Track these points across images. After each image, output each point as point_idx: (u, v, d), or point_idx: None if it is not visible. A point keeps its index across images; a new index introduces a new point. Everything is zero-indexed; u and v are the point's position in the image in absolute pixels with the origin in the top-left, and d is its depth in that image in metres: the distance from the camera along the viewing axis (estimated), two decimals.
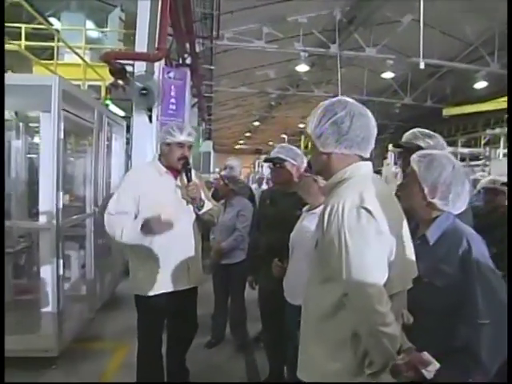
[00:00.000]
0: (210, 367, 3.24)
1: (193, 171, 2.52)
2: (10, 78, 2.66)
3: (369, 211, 1.20)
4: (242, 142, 32.12)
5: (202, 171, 12.63)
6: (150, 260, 2.44)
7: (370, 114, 1.38)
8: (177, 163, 2.47)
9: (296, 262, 2.02)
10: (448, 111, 14.24)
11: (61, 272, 3.06)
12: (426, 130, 2.11)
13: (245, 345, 3.43)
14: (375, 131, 1.38)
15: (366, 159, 1.39)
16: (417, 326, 1.34)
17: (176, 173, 2.52)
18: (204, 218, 2.59)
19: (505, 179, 3.41)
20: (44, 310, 3.01)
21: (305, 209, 2.13)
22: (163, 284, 2.44)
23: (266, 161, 2.83)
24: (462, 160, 13.50)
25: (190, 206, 2.50)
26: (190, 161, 2.51)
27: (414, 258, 1.35)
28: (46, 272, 2.96)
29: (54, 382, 2.96)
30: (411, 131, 2.13)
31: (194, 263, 2.56)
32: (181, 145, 2.46)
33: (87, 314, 3.82)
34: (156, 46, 4.84)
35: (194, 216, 2.55)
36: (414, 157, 1.56)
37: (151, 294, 2.44)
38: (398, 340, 1.18)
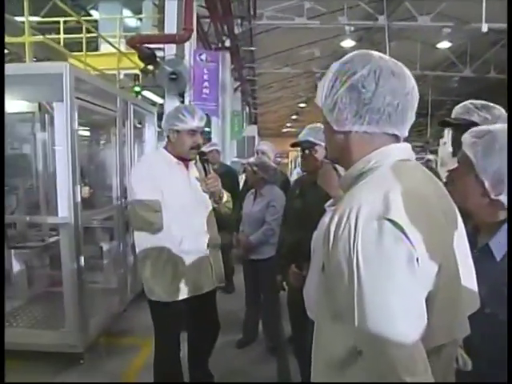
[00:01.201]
0: (237, 370, 3.01)
1: None
2: (20, 68, 2.53)
3: (397, 225, 0.75)
4: (288, 124, 31.53)
5: (246, 156, 12.46)
6: (169, 264, 2.17)
7: (406, 71, 0.91)
8: (188, 152, 2.20)
9: (315, 269, 1.65)
10: None
11: (82, 267, 2.96)
12: (482, 101, 1.67)
13: (277, 347, 3.15)
14: (416, 97, 0.91)
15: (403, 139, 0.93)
16: (474, 372, 0.96)
17: (187, 162, 2.25)
18: (221, 210, 2.33)
19: None
20: (68, 305, 2.93)
21: (327, 203, 1.73)
22: (186, 289, 2.20)
23: (293, 145, 2.45)
24: None
25: (206, 198, 2.24)
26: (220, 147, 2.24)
27: (474, 286, 0.92)
28: (67, 267, 2.86)
29: (78, 377, 2.90)
30: (462, 104, 1.72)
31: (215, 261, 2.34)
32: (193, 132, 2.18)
33: (118, 307, 3.75)
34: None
35: (209, 209, 2.31)
36: (467, 137, 1.11)
37: (171, 300, 2.19)
38: None
